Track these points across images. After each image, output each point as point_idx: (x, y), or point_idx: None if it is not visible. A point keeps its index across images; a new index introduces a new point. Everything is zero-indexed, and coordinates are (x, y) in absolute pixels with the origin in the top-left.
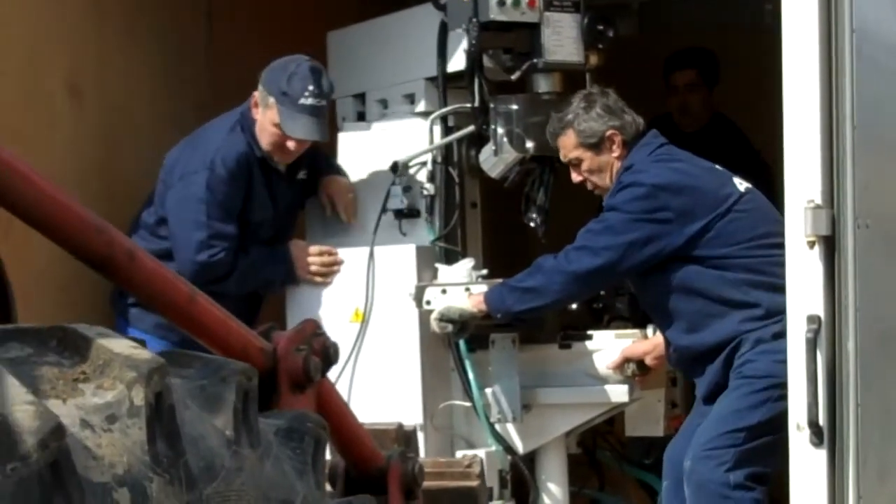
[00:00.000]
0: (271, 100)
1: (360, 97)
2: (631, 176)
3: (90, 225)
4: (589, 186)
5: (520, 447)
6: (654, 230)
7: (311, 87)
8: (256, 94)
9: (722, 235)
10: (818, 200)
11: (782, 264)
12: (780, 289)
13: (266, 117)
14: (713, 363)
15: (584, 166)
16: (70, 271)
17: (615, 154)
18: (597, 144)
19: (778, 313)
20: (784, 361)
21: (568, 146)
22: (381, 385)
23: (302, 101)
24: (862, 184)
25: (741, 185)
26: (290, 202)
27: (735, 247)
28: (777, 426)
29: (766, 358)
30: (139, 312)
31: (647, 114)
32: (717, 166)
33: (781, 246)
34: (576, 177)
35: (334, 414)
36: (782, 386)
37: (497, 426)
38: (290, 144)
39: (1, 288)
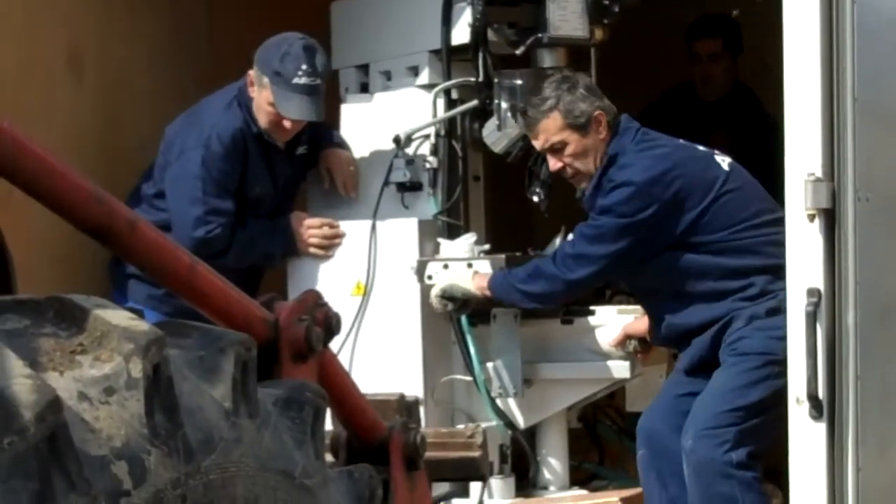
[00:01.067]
0: (265, 79)
1: (364, 68)
2: (621, 173)
3: (90, 195)
4: (568, 173)
5: (520, 422)
6: (649, 232)
7: (304, 67)
8: (252, 73)
9: (715, 220)
10: (818, 173)
11: (775, 242)
12: (773, 269)
13: (262, 96)
14: (701, 336)
15: (570, 150)
16: (70, 242)
17: (601, 136)
18: (584, 125)
19: (772, 292)
20: (779, 338)
21: (552, 129)
22: (382, 359)
23: (295, 80)
24: (862, 157)
25: (724, 162)
26: (289, 177)
27: (728, 230)
28: (775, 403)
29: (760, 335)
30: (132, 283)
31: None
32: (699, 146)
33: (773, 223)
34: (555, 163)
35: (336, 385)
36: (779, 363)
37: (498, 401)
38: (287, 123)
39: (1, 259)
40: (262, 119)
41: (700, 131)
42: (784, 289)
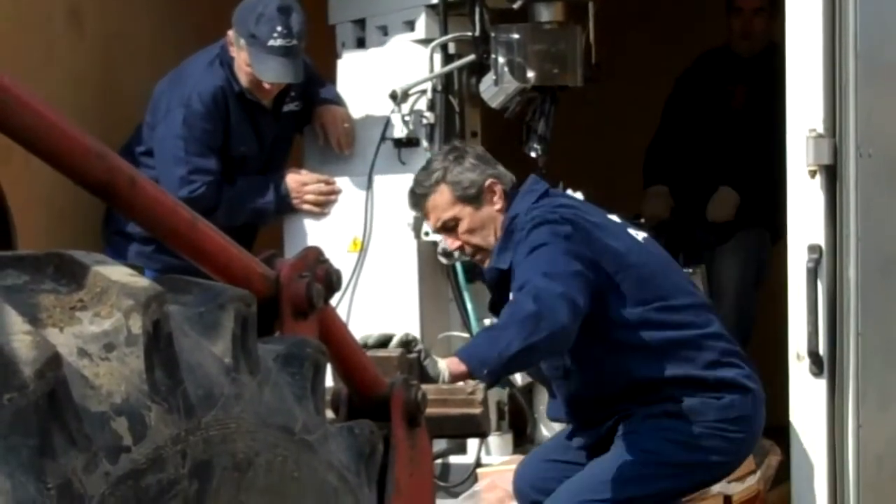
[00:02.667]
0: (242, 41)
1: (360, 23)
2: (529, 217)
3: (90, 151)
4: (468, 252)
5: (518, 379)
6: (589, 249)
7: (279, 29)
8: (231, 33)
9: (623, 293)
10: (820, 129)
11: (687, 343)
12: (682, 380)
13: (241, 57)
14: (598, 425)
15: (464, 226)
16: (71, 198)
17: (497, 206)
18: (476, 197)
19: (680, 399)
20: (674, 441)
21: (441, 205)
22: (379, 315)
23: (271, 42)
24: (864, 113)
25: (638, 235)
26: (277, 135)
27: (640, 307)
28: None
29: (656, 434)
30: (120, 240)
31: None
32: (613, 216)
33: (679, 309)
34: (452, 243)
35: (337, 341)
36: (667, 465)
37: None
38: (266, 85)
39: (1, 215)
40: (244, 79)
41: (722, 85)
42: (697, 395)
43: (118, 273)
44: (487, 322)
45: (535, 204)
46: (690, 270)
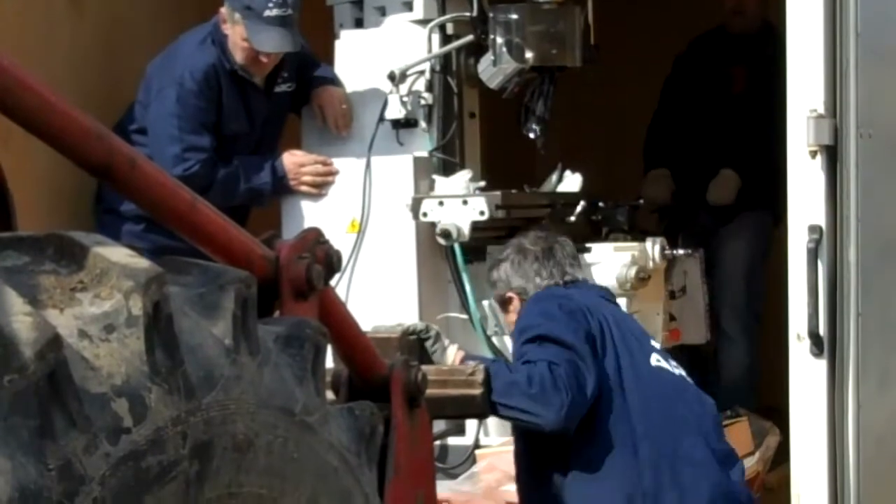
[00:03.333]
0: (237, 15)
1: (358, 3)
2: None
3: (90, 132)
4: None
5: None
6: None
7: None
8: (223, 10)
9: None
10: (821, 110)
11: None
12: None
13: (235, 32)
14: None
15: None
16: (71, 179)
17: (511, 319)
18: (502, 302)
19: None
20: None
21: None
22: (378, 297)
23: (267, 13)
24: (865, 93)
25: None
26: (269, 115)
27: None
28: None
29: None
30: (109, 219)
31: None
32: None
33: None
34: None
35: (337, 322)
36: None
37: (494, 339)
38: (264, 58)
39: (1, 196)
40: (239, 55)
41: (721, 68)
42: None
43: (118, 254)
44: (486, 303)
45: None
46: (689, 251)
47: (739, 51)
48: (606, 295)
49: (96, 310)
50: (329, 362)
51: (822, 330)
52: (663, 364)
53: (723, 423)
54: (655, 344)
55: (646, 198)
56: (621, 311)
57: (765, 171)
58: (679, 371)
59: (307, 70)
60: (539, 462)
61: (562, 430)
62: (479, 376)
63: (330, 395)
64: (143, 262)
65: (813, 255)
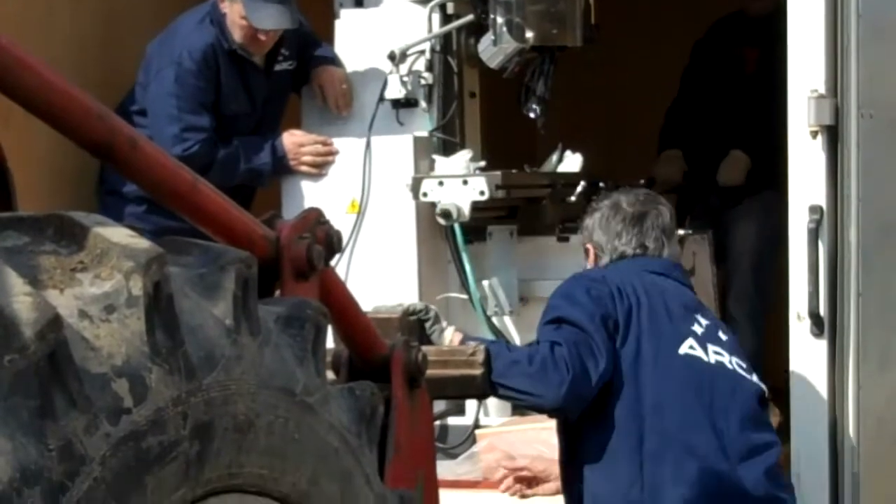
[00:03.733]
0: None
1: None
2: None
3: (91, 112)
4: None
5: (517, 340)
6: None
7: None
8: None
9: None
10: (822, 90)
11: None
12: None
13: (234, 11)
14: None
15: None
16: (70, 159)
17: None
18: (585, 252)
19: None
20: None
21: None
22: (378, 277)
23: None
24: (866, 73)
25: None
26: (269, 94)
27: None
28: None
29: None
30: (115, 200)
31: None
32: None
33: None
34: None
35: (338, 303)
36: None
37: (494, 319)
38: (262, 35)
39: (1, 176)
40: (238, 34)
41: (734, 49)
42: None
43: (118, 234)
44: (486, 283)
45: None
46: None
47: (753, 32)
48: (667, 271)
49: (97, 290)
50: (329, 343)
51: (823, 310)
52: (697, 352)
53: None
54: (700, 324)
55: (657, 178)
56: (670, 291)
57: (774, 152)
58: (719, 357)
59: (307, 49)
60: (562, 444)
61: (562, 409)
62: (480, 357)
63: (330, 375)
64: (143, 243)
65: (813, 235)
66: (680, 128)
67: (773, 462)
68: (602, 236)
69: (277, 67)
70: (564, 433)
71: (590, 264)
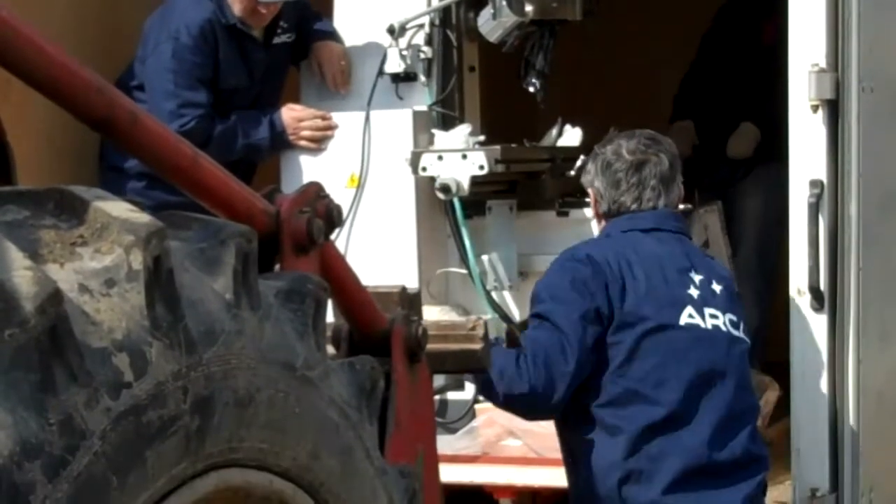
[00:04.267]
0: None
1: None
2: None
3: (91, 85)
4: None
5: (516, 315)
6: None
7: None
8: None
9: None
10: (822, 64)
11: None
12: None
13: None
14: None
15: None
16: (70, 133)
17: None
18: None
19: None
20: None
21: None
22: (377, 252)
23: None
24: (867, 47)
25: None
26: (268, 68)
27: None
28: None
29: None
30: (115, 176)
31: None
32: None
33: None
34: None
35: (338, 277)
36: None
37: (493, 293)
38: (262, 8)
39: (1, 150)
40: (237, 7)
41: (754, 20)
42: None
43: (119, 209)
44: (485, 258)
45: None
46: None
47: (773, 4)
48: (660, 223)
49: (97, 264)
50: (330, 317)
51: (823, 285)
52: (695, 320)
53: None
54: (695, 284)
55: None
56: (664, 255)
57: (784, 124)
58: (714, 320)
59: (306, 22)
60: (560, 419)
61: (536, 417)
62: (480, 331)
63: (330, 349)
64: (143, 217)
65: (814, 209)
66: (694, 96)
67: (755, 423)
68: (602, 182)
69: (276, 40)
70: (563, 410)
71: (592, 207)
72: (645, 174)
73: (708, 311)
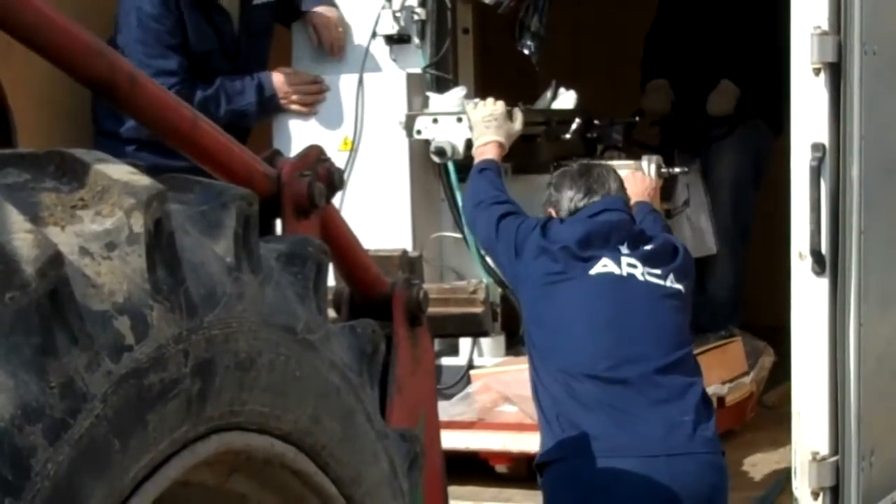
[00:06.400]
0: None
1: None
2: None
3: (91, 48)
4: None
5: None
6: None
7: None
8: None
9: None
10: (824, 26)
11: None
12: None
13: None
14: None
15: None
16: (70, 96)
17: None
18: None
19: None
20: None
21: None
22: (371, 215)
23: None
24: (869, 9)
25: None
26: (248, 30)
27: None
28: None
29: None
30: (105, 141)
31: None
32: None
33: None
34: None
35: (339, 240)
36: None
37: (487, 258)
38: None
39: (1, 113)
40: None
41: None
42: None
43: (119, 171)
44: None
45: None
46: (686, 169)
47: None
48: (608, 205)
49: (97, 227)
50: (330, 280)
51: (825, 248)
52: (637, 270)
53: (716, 343)
54: (626, 247)
55: (646, 109)
56: (612, 221)
57: (764, 81)
58: (651, 278)
59: None
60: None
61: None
62: (481, 294)
63: (331, 313)
64: (144, 180)
65: (816, 173)
66: (663, 55)
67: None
68: (557, 196)
69: (256, 1)
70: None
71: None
72: (594, 175)
73: (648, 268)
